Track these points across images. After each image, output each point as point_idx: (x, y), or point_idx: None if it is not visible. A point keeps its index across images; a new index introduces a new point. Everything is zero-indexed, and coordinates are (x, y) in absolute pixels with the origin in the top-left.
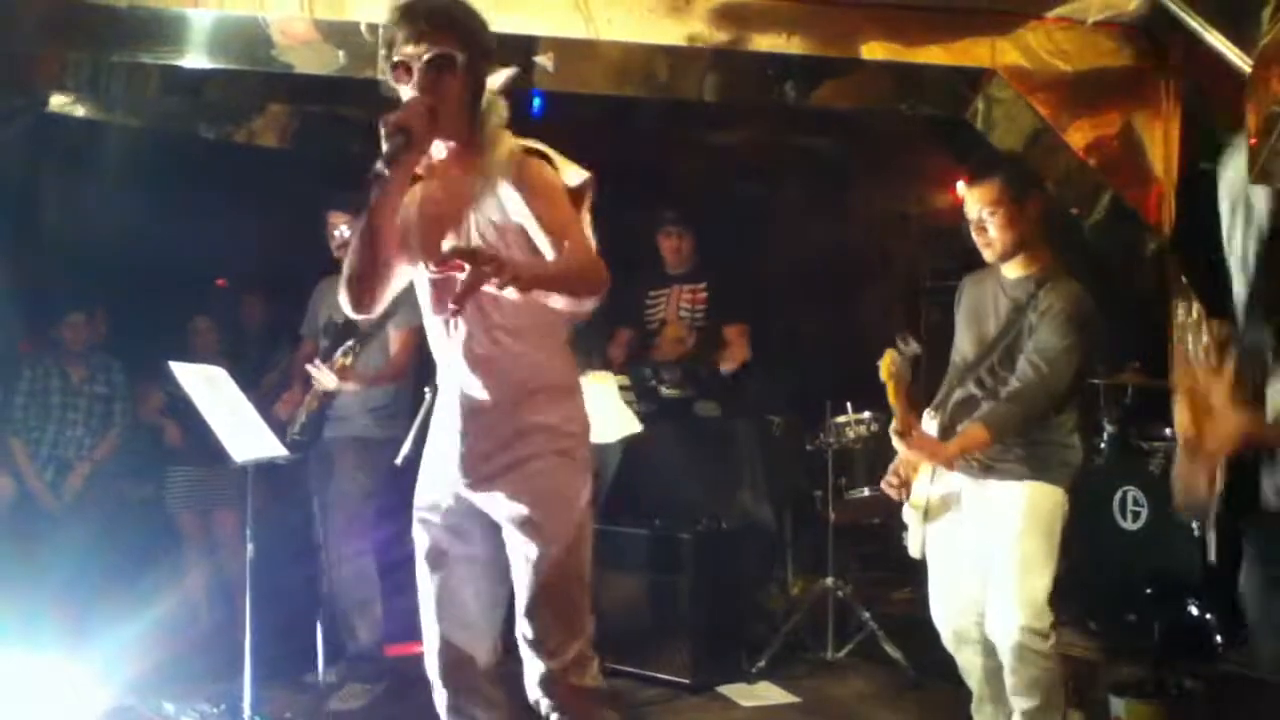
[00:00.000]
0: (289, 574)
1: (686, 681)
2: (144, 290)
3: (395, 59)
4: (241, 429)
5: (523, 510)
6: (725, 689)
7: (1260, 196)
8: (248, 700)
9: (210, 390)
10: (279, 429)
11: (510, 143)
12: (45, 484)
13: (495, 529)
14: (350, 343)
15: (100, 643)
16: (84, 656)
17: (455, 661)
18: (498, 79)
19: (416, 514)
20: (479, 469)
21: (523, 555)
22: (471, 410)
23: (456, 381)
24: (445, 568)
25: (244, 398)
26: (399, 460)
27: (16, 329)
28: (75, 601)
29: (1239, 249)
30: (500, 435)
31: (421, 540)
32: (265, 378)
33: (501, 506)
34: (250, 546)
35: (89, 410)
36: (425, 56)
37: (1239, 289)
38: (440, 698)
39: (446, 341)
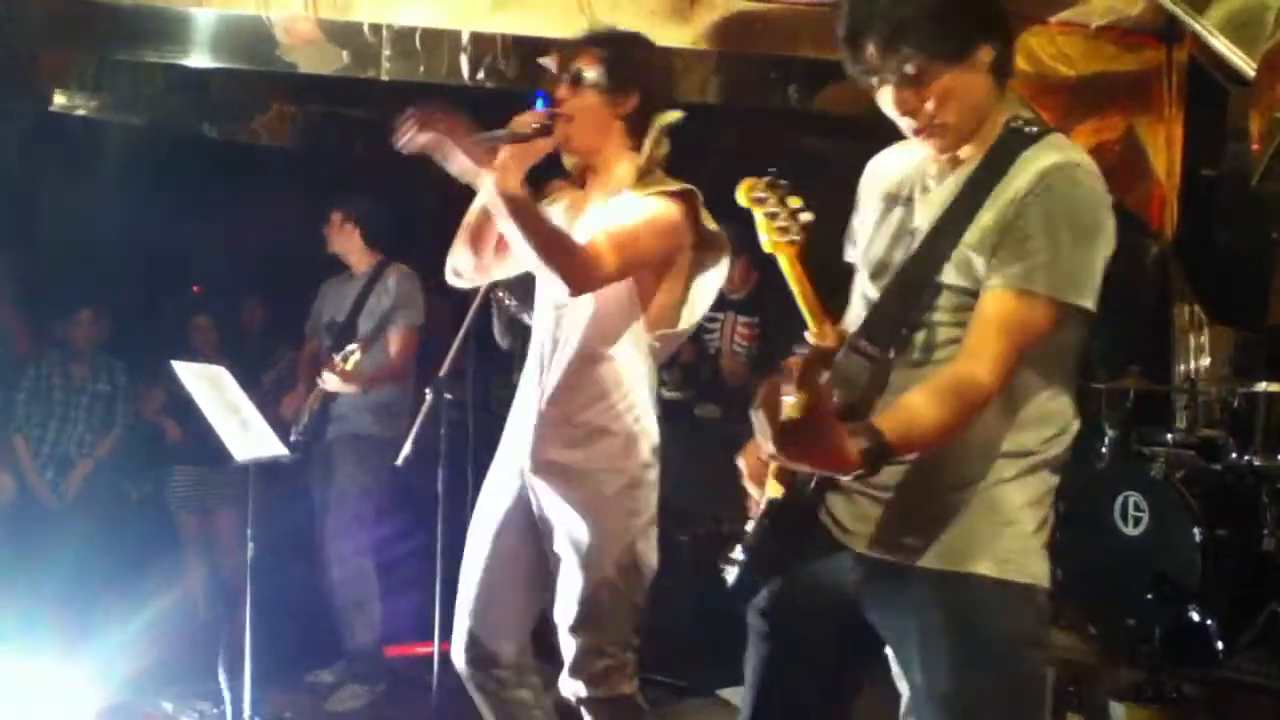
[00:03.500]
0: (289, 573)
1: (685, 684)
2: (146, 289)
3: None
4: (243, 428)
5: (574, 513)
6: (725, 692)
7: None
8: (248, 699)
9: (211, 389)
10: (282, 428)
11: (659, 179)
12: (46, 482)
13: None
14: (352, 346)
15: (100, 641)
16: (84, 654)
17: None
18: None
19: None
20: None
21: (570, 549)
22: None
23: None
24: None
25: (245, 397)
26: (399, 461)
27: (19, 327)
28: (75, 599)
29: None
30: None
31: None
32: (266, 376)
33: (555, 501)
34: (251, 546)
35: (90, 409)
36: (568, 69)
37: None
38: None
39: (548, 340)
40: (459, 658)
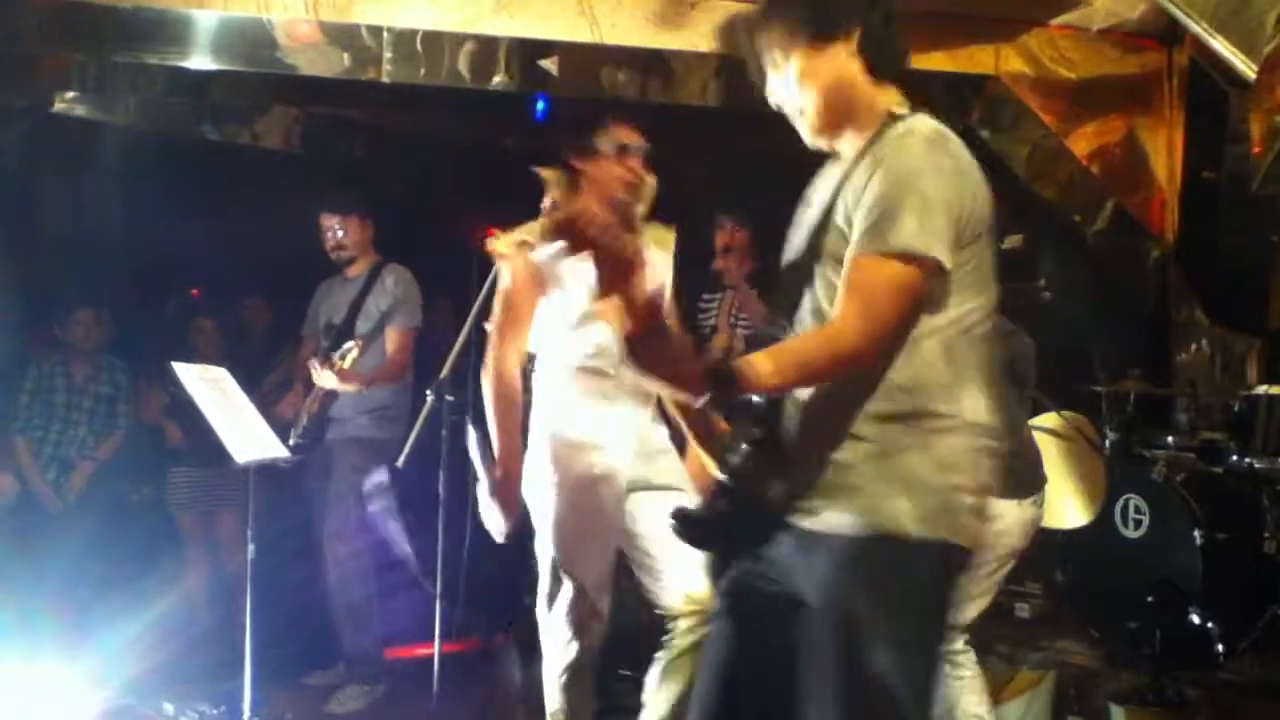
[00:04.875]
0: (289, 575)
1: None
2: (147, 291)
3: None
4: (243, 430)
5: None
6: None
7: None
8: (247, 701)
9: (212, 391)
10: (281, 430)
11: None
12: (47, 483)
13: None
14: (349, 345)
15: (100, 642)
16: (84, 656)
17: None
18: None
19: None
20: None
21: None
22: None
23: None
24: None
25: (246, 398)
26: (400, 462)
27: (21, 328)
28: (76, 601)
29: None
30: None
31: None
32: (267, 378)
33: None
34: (251, 547)
35: (92, 410)
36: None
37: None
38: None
39: None
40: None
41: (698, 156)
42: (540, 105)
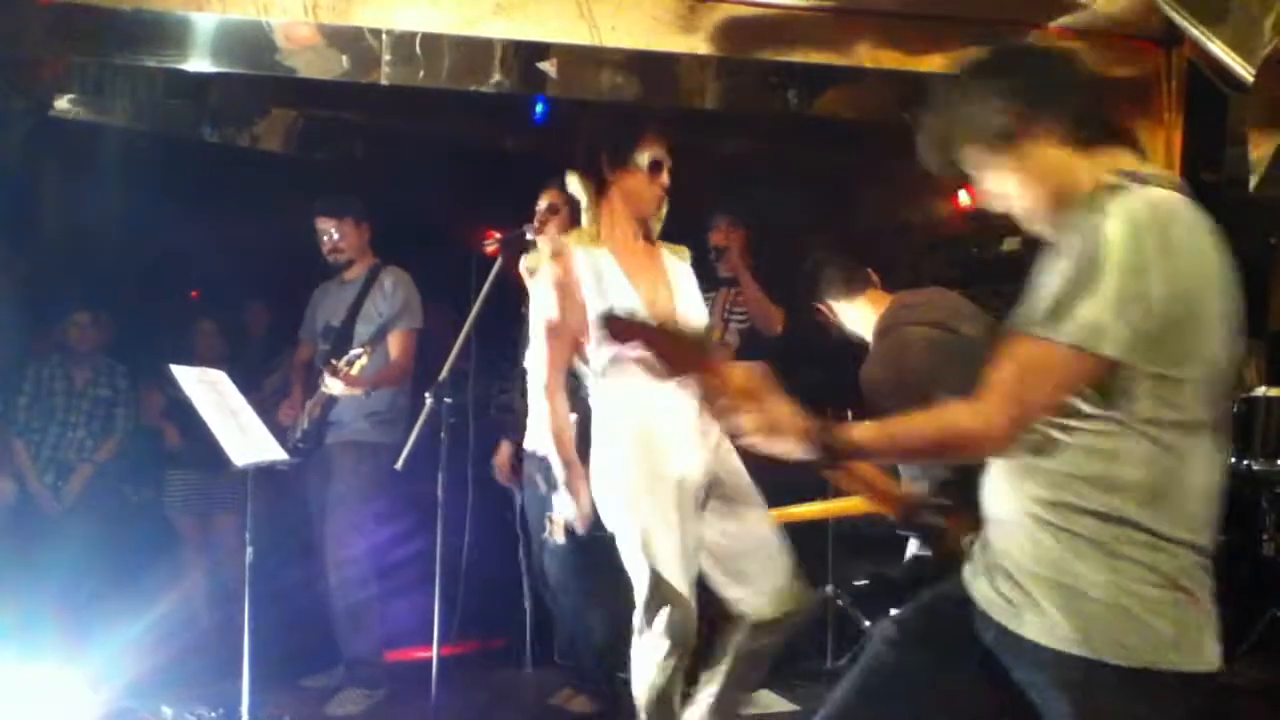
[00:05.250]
0: (287, 578)
1: (687, 690)
2: (146, 293)
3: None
4: (242, 433)
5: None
6: None
7: None
8: (246, 704)
9: (211, 394)
10: (280, 434)
11: None
12: (46, 486)
13: None
14: (357, 351)
15: (99, 645)
16: (83, 659)
17: None
18: None
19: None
20: None
21: None
22: None
23: None
24: None
25: (245, 401)
26: (399, 465)
27: (20, 331)
28: (74, 604)
29: None
30: None
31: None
32: (266, 381)
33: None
34: (250, 550)
35: (91, 413)
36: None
37: None
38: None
39: None
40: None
41: (690, 156)
42: (540, 108)
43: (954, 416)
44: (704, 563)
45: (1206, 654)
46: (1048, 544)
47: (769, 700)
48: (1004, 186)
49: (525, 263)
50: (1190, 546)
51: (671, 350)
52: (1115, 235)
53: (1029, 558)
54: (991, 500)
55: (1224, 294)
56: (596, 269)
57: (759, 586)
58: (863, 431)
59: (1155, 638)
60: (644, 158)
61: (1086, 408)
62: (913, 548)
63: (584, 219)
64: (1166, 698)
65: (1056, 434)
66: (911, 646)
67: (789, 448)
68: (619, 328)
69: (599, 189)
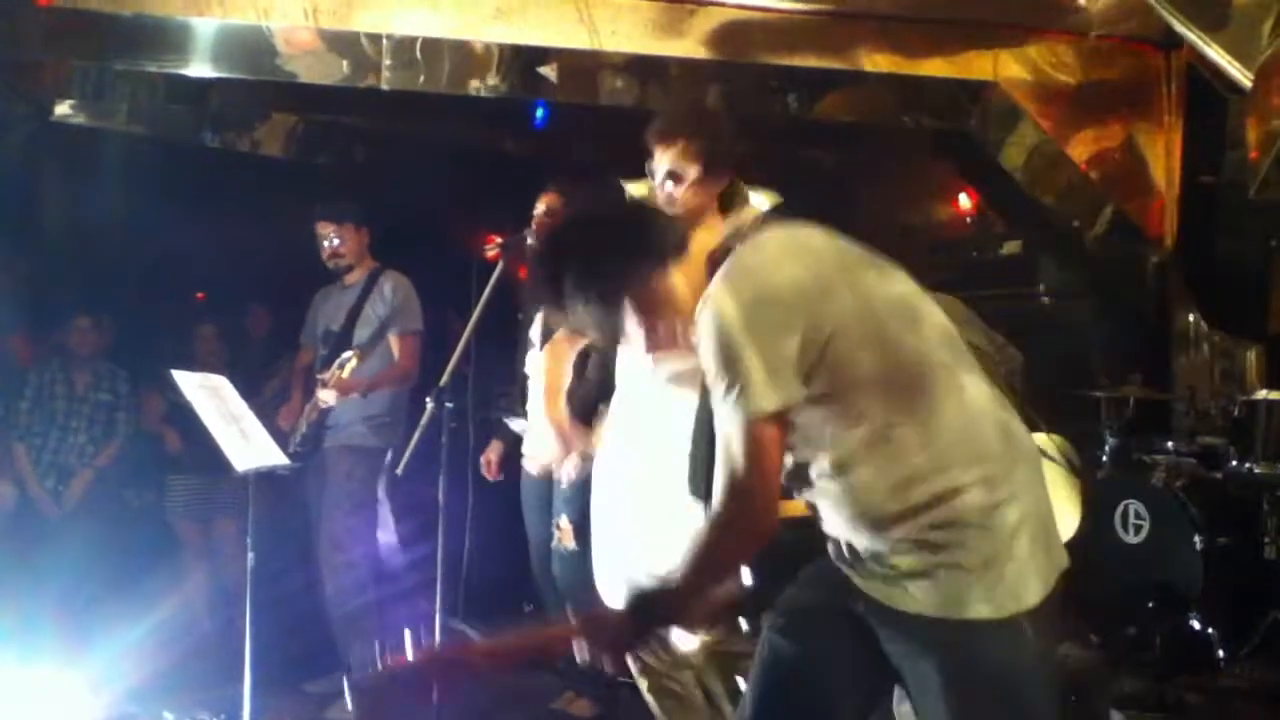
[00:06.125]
0: (288, 582)
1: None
2: (147, 298)
3: None
4: (243, 438)
5: None
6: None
7: None
8: (247, 709)
9: (212, 399)
10: (280, 438)
11: None
12: (46, 491)
13: None
14: (347, 354)
15: (100, 650)
16: (84, 664)
17: None
18: None
19: None
20: None
21: None
22: None
23: None
24: None
25: (246, 406)
26: (400, 469)
27: (21, 335)
28: (75, 608)
29: None
30: None
31: None
32: (266, 385)
33: None
34: (251, 555)
35: (92, 418)
36: None
37: None
38: None
39: None
40: None
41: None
42: (540, 112)
43: (707, 534)
44: None
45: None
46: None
47: None
48: None
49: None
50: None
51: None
52: (717, 303)
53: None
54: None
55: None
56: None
57: None
58: (670, 593)
59: (994, 589)
60: (660, 168)
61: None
62: None
63: None
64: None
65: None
66: (798, 631)
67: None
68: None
69: None
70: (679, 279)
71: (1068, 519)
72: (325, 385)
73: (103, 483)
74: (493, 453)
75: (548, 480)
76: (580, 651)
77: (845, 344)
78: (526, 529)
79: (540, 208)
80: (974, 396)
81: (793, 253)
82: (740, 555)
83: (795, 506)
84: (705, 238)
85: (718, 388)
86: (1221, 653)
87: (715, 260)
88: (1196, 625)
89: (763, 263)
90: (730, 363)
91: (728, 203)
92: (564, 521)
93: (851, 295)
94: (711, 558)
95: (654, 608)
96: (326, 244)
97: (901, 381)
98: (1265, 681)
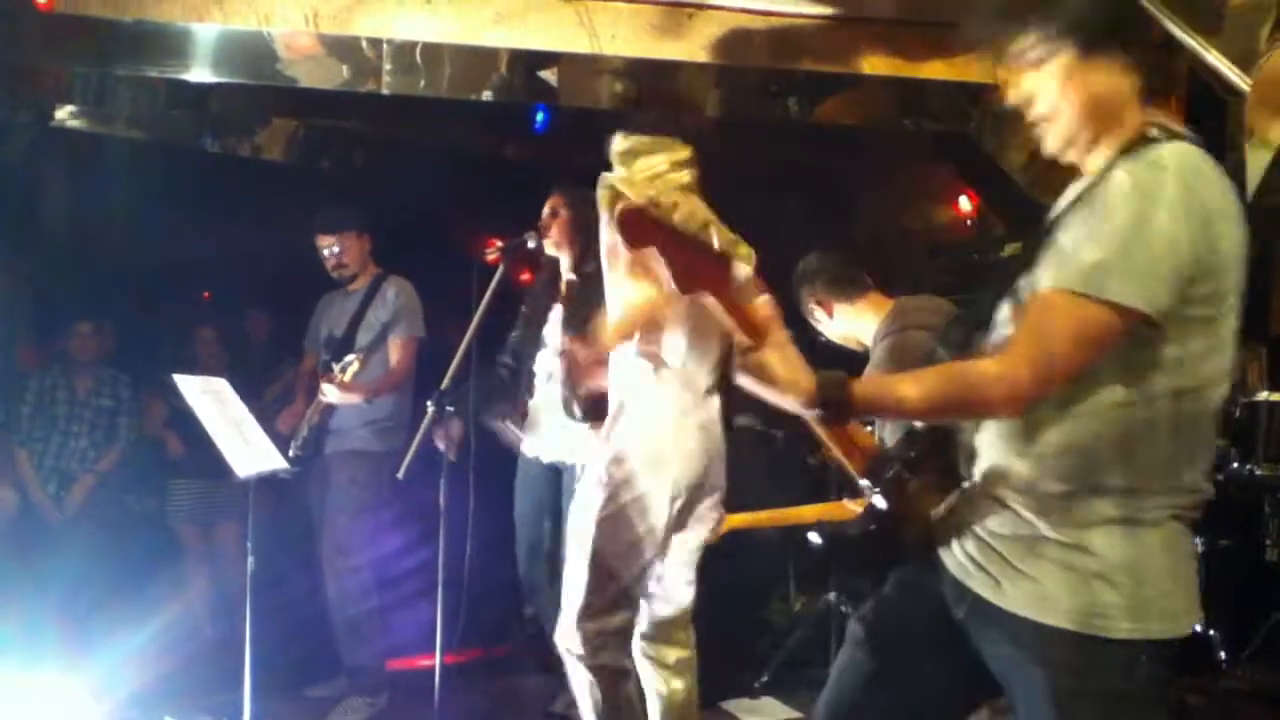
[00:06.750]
0: (290, 587)
1: None
2: (148, 303)
3: None
4: (244, 442)
5: None
6: (728, 704)
7: None
8: (248, 714)
9: (213, 403)
10: (281, 443)
11: None
12: (48, 495)
13: None
14: (350, 358)
15: (101, 655)
16: (85, 668)
17: None
18: None
19: None
20: None
21: None
22: None
23: None
24: None
25: (246, 410)
26: (400, 474)
27: (22, 341)
28: (76, 613)
29: None
30: None
31: None
32: (268, 390)
33: None
34: (251, 559)
35: (93, 423)
36: None
37: None
38: None
39: None
40: None
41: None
42: (540, 116)
43: (977, 376)
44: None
45: (1185, 619)
46: (1028, 516)
47: (773, 708)
48: (1050, 96)
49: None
50: (1177, 508)
51: (690, 263)
52: (1154, 191)
53: (1008, 525)
54: (974, 461)
55: (1242, 251)
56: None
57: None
58: (874, 388)
59: (1143, 605)
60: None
61: (1105, 376)
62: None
63: None
64: (1149, 670)
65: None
66: (880, 645)
67: (784, 396)
68: (634, 223)
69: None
70: None
71: None
72: (330, 381)
73: (104, 488)
74: (452, 429)
75: (544, 479)
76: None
77: None
78: (517, 528)
79: (544, 210)
80: None
81: None
82: (972, 414)
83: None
84: None
85: (1096, 258)
86: (1223, 655)
87: None
88: (1198, 627)
89: None
90: (1137, 240)
91: None
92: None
93: None
94: (955, 395)
95: (843, 398)
96: (328, 254)
97: None
98: (1267, 683)
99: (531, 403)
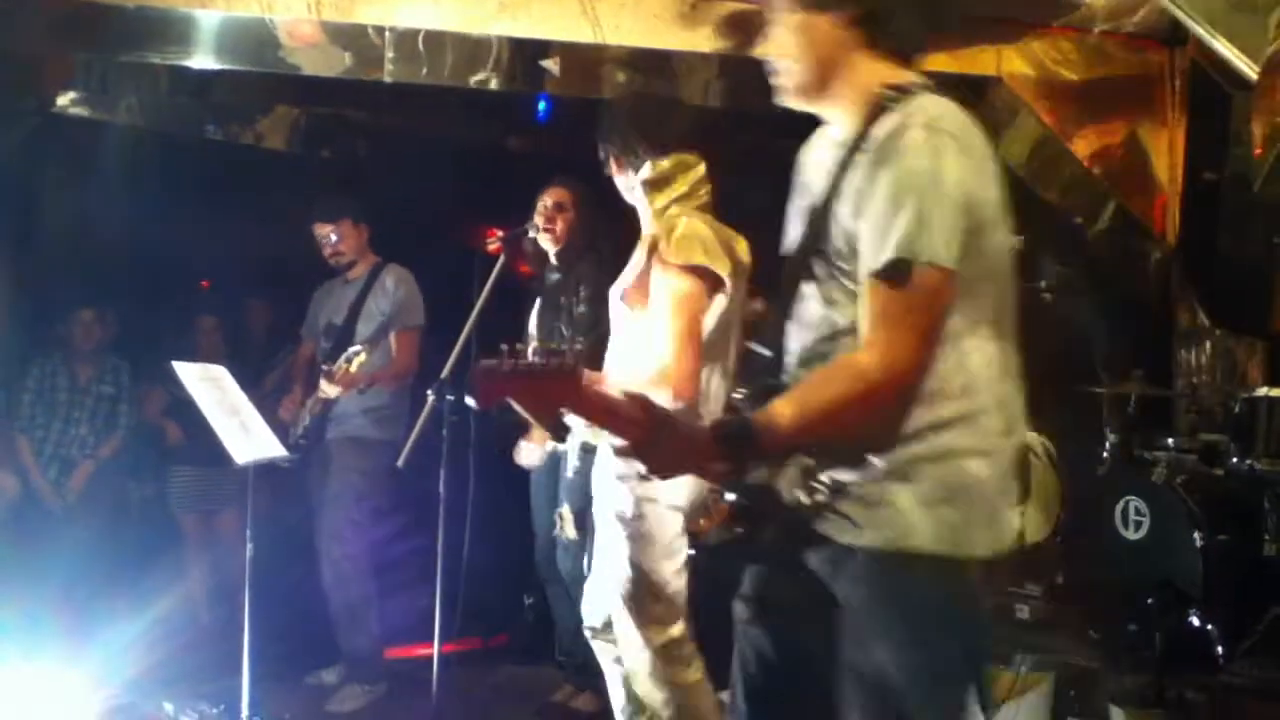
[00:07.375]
0: (289, 574)
1: None
2: (149, 291)
3: None
4: (243, 430)
5: None
6: (724, 695)
7: None
8: (246, 700)
9: (212, 390)
10: (281, 431)
11: None
12: (49, 482)
13: None
14: (356, 349)
15: (101, 641)
16: (85, 655)
17: None
18: None
19: None
20: None
21: None
22: None
23: None
24: None
25: (246, 398)
26: (400, 462)
27: (23, 327)
28: (76, 600)
29: None
30: None
31: None
32: (267, 377)
33: None
34: (250, 546)
35: (94, 410)
36: None
37: None
38: None
39: None
40: None
41: None
42: (542, 105)
43: (855, 367)
44: None
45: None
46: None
47: None
48: (786, 48)
49: None
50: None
51: (540, 393)
52: (925, 143)
53: (858, 472)
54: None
55: (1001, 194)
56: None
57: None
58: (779, 414)
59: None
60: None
61: None
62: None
63: None
64: (971, 582)
65: None
66: (764, 616)
67: (705, 464)
68: (483, 382)
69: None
70: None
71: (1039, 514)
72: (330, 378)
73: (104, 474)
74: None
75: (555, 472)
76: (621, 443)
77: None
78: (534, 519)
79: (547, 201)
80: None
81: None
82: (870, 408)
83: None
84: None
85: (909, 230)
86: (1221, 649)
87: None
88: (1197, 622)
89: None
90: (933, 203)
91: None
92: (565, 510)
93: None
94: (846, 393)
95: (750, 439)
96: (326, 243)
97: None
98: (1265, 678)
99: None
